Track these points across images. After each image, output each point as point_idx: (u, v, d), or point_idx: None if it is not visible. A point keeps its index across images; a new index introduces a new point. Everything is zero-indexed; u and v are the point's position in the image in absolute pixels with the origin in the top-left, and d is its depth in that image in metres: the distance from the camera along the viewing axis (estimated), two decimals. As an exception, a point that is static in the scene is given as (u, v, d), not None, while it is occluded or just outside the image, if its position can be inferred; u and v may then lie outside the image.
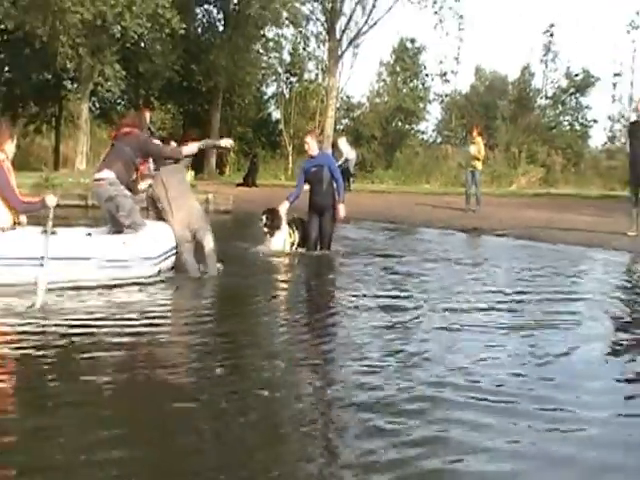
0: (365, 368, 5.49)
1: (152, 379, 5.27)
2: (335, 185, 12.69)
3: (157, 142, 10.70)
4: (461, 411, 4.70)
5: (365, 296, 8.58)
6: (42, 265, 8.11)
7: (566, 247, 15.09)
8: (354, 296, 8.56)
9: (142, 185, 10.28)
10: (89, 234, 9.55)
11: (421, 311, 7.79)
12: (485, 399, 4.91)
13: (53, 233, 8.53)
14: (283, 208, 12.51)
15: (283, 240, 12.23)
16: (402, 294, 8.92)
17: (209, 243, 9.96)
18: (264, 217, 12.17)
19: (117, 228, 9.83)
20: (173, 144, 29.10)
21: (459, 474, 3.83)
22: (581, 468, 3.95)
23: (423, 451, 4.03)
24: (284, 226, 12.24)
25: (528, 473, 3.89)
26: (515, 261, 12.83)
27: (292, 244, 12.65)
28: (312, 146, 12.78)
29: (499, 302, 8.46)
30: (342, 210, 12.64)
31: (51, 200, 8.71)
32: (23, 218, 8.95)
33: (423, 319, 7.40)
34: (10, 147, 8.99)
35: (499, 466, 3.93)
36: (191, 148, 10.56)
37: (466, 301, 8.43)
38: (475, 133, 23.03)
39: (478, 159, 22.20)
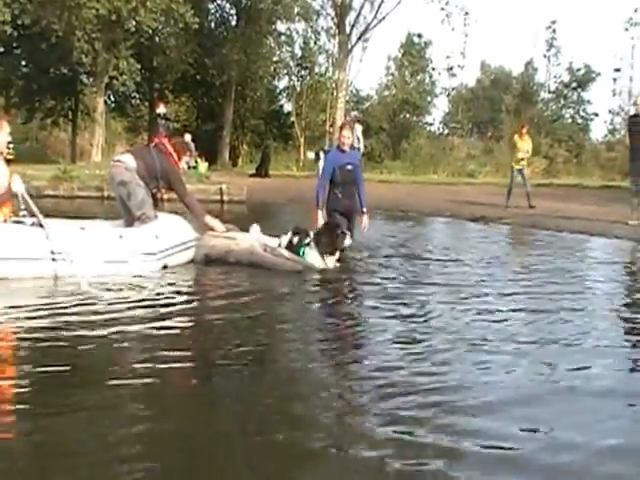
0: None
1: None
2: (358, 188, 11.19)
3: (187, 186, 10.34)
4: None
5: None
6: (54, 260, 7.99)
7: (569, 235, 15.11)
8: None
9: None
10: (82, 228, 8.96)
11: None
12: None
13: (40, 225, 8.12)
14: (320, 220, 10.75)
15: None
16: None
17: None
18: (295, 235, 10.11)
19: (129, 217, 9.55)
20: (187, 136, 29.19)
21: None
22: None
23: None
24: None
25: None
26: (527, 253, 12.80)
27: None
28: (349, 141, 11.10)
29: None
30: (366, 220, 11.14)
31: (17, 185, 8.11)
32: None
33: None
34: None
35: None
36: (215, 224, 9.87)
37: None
38: (524, 131, 21.82)
39: (527, 157, 21.41)
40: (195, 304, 7.47)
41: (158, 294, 7.65)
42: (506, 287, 8.54)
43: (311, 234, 9.89)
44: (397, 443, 3.86)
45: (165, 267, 9.04)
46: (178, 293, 7.86)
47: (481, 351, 5.61)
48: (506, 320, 6.72)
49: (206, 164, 32.72)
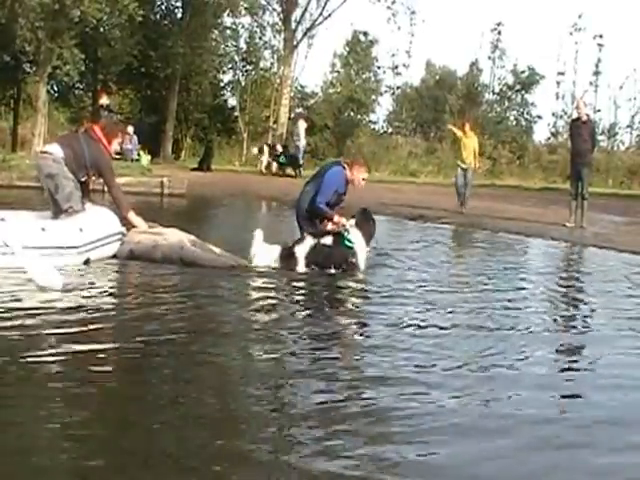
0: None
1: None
2: None
3: (116, 179, 9.91)
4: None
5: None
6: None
7: (507, 235, 15.30)
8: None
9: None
10: (2, 219, 8.51)
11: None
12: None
13: None
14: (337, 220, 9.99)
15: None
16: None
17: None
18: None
19: (57, 209, 9.23)
20: (130, 128, 28.98)
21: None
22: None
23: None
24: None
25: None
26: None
27: None
28: (363, 184, 10.41)
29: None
30: None
31: None
32: None
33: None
34: None
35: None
36: (138, 221, 9.56)
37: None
38: (468, 127, 20.74)
39: (474, 157, 20.30)
40: (120, 305, 7.06)
41: (79, 292, 7.32)
42: (437, 292, 8.47)
43: (350, 224, 9.53)
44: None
45: (87, 261, 8.74)
46: (101, 291, 7.55)
47: (413, 372, 5.23)
48: (437, 335, 6.32)
49: (149, 157, 32.53)
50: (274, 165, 34.02)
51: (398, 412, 4.47)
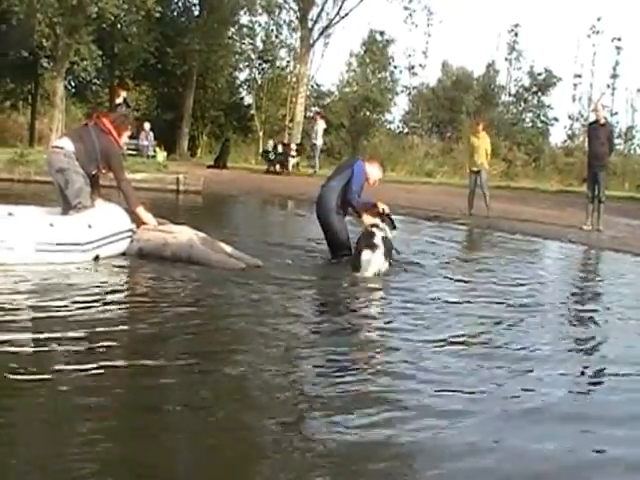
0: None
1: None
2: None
3: (125, 173, 9.65)
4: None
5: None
6: None
7: (524, 238, 15.24)
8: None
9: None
10: (10, 213, 8.41)
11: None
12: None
13: None
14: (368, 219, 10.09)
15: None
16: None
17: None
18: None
19: (66, 205, 9.08)
20: (147, 125, 28.94)
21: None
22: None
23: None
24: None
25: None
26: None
27: None
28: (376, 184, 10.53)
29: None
30: None
31: None
32: None
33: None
34: None
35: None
36: (147, 217, 9.35)
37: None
38: (480, 127, 20.00)
39: (486, 157, 19.54)
40: (132, 303, 6.98)
41: (89, 289, 7.14)
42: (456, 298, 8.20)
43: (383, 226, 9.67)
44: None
45: (97, 258, 8.58)
46: (110, 291, 7.30)
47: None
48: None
49: (164, 153, 32.60)
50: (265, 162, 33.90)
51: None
